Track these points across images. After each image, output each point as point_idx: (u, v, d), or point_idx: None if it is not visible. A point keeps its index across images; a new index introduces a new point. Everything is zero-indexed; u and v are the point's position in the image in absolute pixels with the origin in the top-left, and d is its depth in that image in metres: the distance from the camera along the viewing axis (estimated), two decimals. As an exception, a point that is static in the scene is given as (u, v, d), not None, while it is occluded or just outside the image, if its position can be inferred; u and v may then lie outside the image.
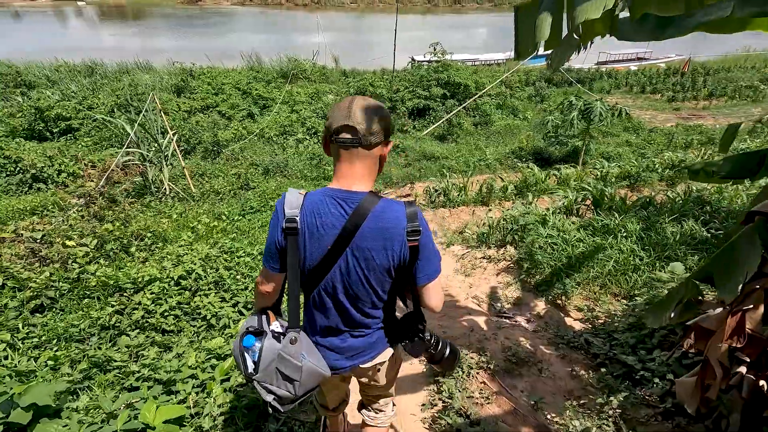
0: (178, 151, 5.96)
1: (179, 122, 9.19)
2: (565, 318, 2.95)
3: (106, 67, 14.84)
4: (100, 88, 11.58)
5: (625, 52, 28.32)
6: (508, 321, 3.00)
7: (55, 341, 2.63)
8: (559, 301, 3.09)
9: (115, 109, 9.84)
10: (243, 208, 5.21)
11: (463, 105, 10.96)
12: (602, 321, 2.79)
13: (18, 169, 6.20)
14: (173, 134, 6.41)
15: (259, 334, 1.32)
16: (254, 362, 1.28)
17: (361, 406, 1.78)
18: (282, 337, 1.31)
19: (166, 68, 15.25)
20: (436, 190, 5.41)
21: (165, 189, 5.98)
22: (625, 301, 2.91)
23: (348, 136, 1.18)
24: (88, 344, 2.64)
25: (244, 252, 3.51)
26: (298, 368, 1.27)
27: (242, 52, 17.66)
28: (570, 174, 5.43)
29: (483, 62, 22.78)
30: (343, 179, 1.23)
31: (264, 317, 1.37)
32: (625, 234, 3.33)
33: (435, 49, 12.43)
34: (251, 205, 5.23)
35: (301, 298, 1.36)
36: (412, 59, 20.29)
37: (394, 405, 1.79)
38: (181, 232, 4.04)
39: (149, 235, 3.90)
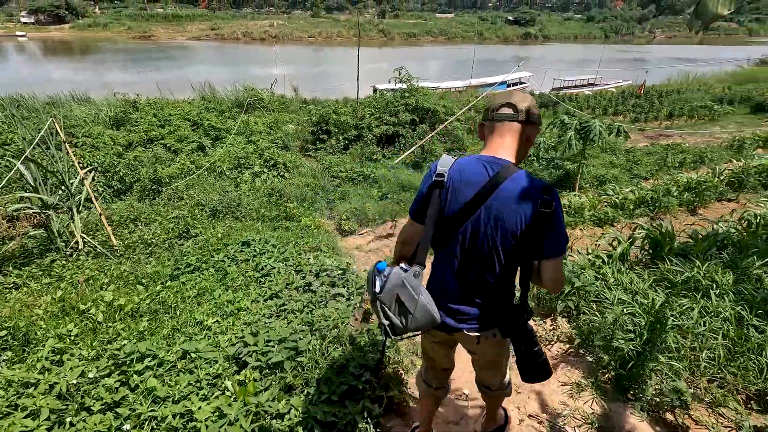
0: (92, 193, 4.67)
1: (111, 158, 7.82)
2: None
3: (37, 99, 13.17)
4: (19, 124, 9.99)
5: (577, 78, 29.74)
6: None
7: None
8: (668, 416, 2.03)
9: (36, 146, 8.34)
10: (176, 266, 3.98)
11: (437, 130, 10.26)
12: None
13: None
14: (88, 172, 5.13)
15: (391, 264, 1.47)
16: (381, 285, 1.41)
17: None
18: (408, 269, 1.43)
19: (107, 100, 13.77)
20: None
21: (77, 243, 4.64)
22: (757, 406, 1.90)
23: (509, 111, 1.42)
24: None
25: (152, 360, 2.22)
26: (414, 300, 1.38)
27: (193, 82, 16.45)
28: (583, 203, 4.62)
29: (444, 90, 22.86)
30: (492, 149, 1.43)
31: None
32: (717, 291, 2.40)
33: (400, 74, 11.81)
34: (188, 261, 4.01)
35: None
36: (375, 89, 19.89)
37: (509, 383, 1.84)
38: (62, 321, 2.76)
39: (2, 333, 2.52)
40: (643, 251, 3.45)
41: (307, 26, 76.93)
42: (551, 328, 2.83)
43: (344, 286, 3.34)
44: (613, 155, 9.04)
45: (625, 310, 2.37)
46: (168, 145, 10.12)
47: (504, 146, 1.41)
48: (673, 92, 21.13)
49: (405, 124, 11.35)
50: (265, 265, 3.71)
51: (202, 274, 3.77)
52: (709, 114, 15.67)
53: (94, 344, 2.38)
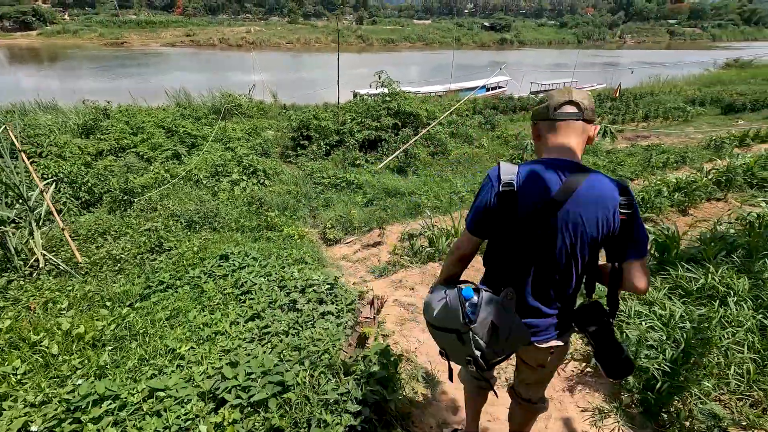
0: (52, 206, 4.27)
1: (78, 168, 7.35)
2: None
3: (-2, 107, 12.44)
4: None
5: (554, 81, 30.35)
6: None
7: None
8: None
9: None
10: (147, 284, 3.63)
11: (420, 134, 10.10)
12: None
13: None
14: (48, 183, 4.72)
15: (475, 289, 1.35)
16: (472, 313, 1.29)
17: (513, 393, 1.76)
18: (496, 293, 1.34)
19: (75, 108, 13.12)
20: (416, 236, 4.20)
21: (37, 261, 4.23)
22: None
23: (573, 109, 1.34)
24: None
25: (112, 403, 1.82)
26: (511, 322, 1.30)
27: (167, 89, 15.89)
28: None
29: (424, 95, 22.94)
30: (558, 150, 1.33)
31: (452, 286, 1.41)
32: (735, 298, 2.25)
33: (380, 78, 11.63)
34: (161, 278, 3.66)
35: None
36: (355, 93, 19.67)
37: (546, 399, 1.75)
38: (7, 357, 2.39)
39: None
40: (649, 256, 3.30)
41: (284, 32, 76.30)
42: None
43: (333, 303, 3.07)
44: (595, 156, 9.04)
45: (644, 323, 2.19)
46: (141, 153, 9.66)
47: (571, 147, 1.33)
48: (647, 94, 21.65)
49: (387, 129, 11.16)
50: (246, 281, 3.41)
51: (176, 292, 3.43)
52: (682, 115, 16.04)
53: (43, 385, 2.04)
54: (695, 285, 2.48)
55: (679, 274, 2.67)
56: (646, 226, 4.74)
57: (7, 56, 57.14)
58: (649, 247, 3.19)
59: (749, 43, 78.24)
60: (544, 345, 1.42)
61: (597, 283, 1.44)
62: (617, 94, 19.65)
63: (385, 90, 11.88)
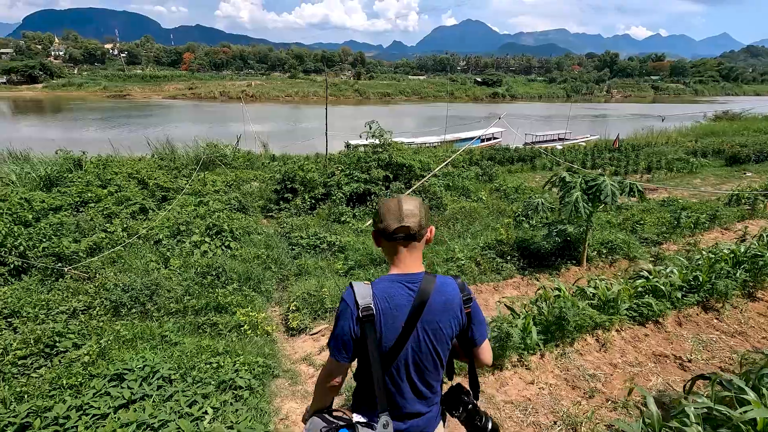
0: None
1: (11, 228, 6.30)
2: None
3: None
4: None
5: (548, 133, 30.52)
6: None
7: None
8: None
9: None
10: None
11: (413, 187, 9.25)
12: None
13: None
14: None
15: (350, 427, 1.38)
16: None
17: None
18: (373, 425, 1.37)
19: (44, 158, 12.34)
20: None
21: None
22: None
23: (404, 234, 1.40)
24: None
25: None
26: None
27: (149, 139, 15.29)
28: (617, 292, 3.37)
29: (418, 145, 22.69)
30: (403, 266, 1.43)
31: (327, 415, 1.48)
32: None
33: (371, 128, 10.99)
34: (10, 418, 2.41)
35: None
36: (348, 144, 19.26)
37: None
38: None
39: None
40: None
41: (284, 86, 78.93)
42: None
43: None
44: (606, 213, 8.13)
45: None
46: (104, 208, 8.69)
47: (413, 261, 1.43)
48: (644, 145, 21.39)
49: (378, 181, 10.34)
50: (145, 425, 2.25)
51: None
52: (687, 167, 15.46)
53: None
54: None
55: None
56: (707, 317, 3.69)
57: (10, 107, 58.19)
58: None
59: (730, 98, 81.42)
60: None
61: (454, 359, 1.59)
62: (616, 145, 19.31)
63: (376, 141, 11.20)
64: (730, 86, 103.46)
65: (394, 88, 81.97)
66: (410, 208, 1.41)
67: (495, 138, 28.76)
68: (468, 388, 1.54)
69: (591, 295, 3.42)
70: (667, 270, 3.81)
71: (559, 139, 29.66)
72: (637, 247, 5.59)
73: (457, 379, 1.65)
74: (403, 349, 1.37)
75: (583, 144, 25.55)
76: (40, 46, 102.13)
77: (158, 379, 2.65)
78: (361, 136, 11.54)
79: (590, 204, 4.66)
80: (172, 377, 2.66)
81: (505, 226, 6.37)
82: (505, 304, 3.32)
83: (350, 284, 1.40)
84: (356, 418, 1.39)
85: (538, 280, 4.95)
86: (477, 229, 7.43)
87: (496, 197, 11.23)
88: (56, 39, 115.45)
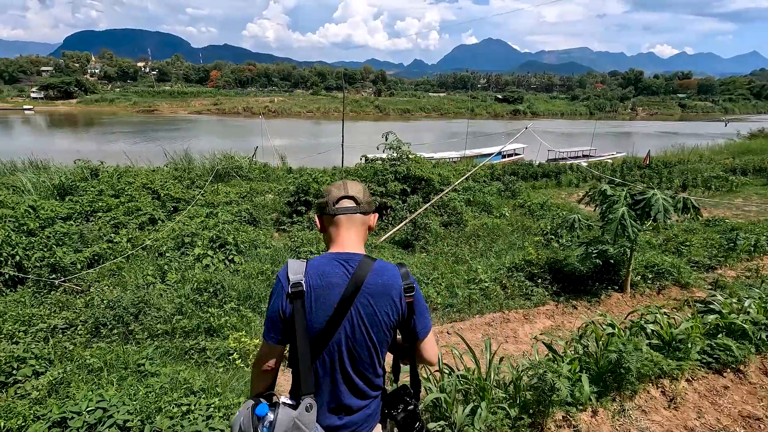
0: None
1: (12, 236, 6.04)
2: None
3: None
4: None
5: (572, 149, 29.59)
6: None
7: None
8: None
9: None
10: None
11: (432, 201, 8.71)
12: None
13: None
14: None
15: (272, 404, 1.27)
16: None
17: None
18: (296, 406, 1.26)
19: (61, 168, 12.37)
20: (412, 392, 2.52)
21: None
22: None
23: (350, 203, 1.38)
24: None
25: None
26: None
27: (167, 150, 15.29)
28: (686, 330, 2.71)
29: (437, 160, 22.26)
30: (342, 244, 1.37)
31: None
32: None
33: (387, 139, 10.56)
34: None
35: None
36: (365, 157, 18.93)
37: None
38: None
39: None
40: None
41: (305, 102, 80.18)
42: None
43: None
44: (642, 232, 7.37)
45: None
46: (112, 218, 8.46)
47: (352, 240, 1.37)
48: (675, 163, 20.35)
49: (395, 195, 9.87)
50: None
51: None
52: (726, 185, 14.45)
53: None
54: None
55: None
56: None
57: (46, 121, 60.85)
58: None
59: (763, 116, 78.31)
60: None
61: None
62: (647, 161, 18.36)
63: (394, 153, 10.76)
64: (762, 104, 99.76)
65: (414, 105, 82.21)
66: (354, 184, 1.42)
67: (517, 154, 28.05)
68: (412, 390, 1.46)
69: (650, 332, 2.76)
70: (746, 303, 3.11)
71: (584, 156, 28.76)
72: (689, 272, 4.89)
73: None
74: (336, 333, 1.29)
75: (609, 161, 24.61)
76: (77, 65, 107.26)
77: (110, 427, 2.16)
78: (378, 148, 11.12)
79: (638, 221, 4.04)
80: (128, 425, 2.17)
81: (534, 245, 5.74)
82: (543, 342, 2.70)
83: (287, 261, 1.33)
84: (282, 399, 1.27)
85: (575, 308, 4.31)
86: (501, 248, 6.81)
87: (519, 214, 10.57)
88: (93, 58, 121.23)
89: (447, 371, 2.32)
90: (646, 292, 4.69)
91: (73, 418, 2.19)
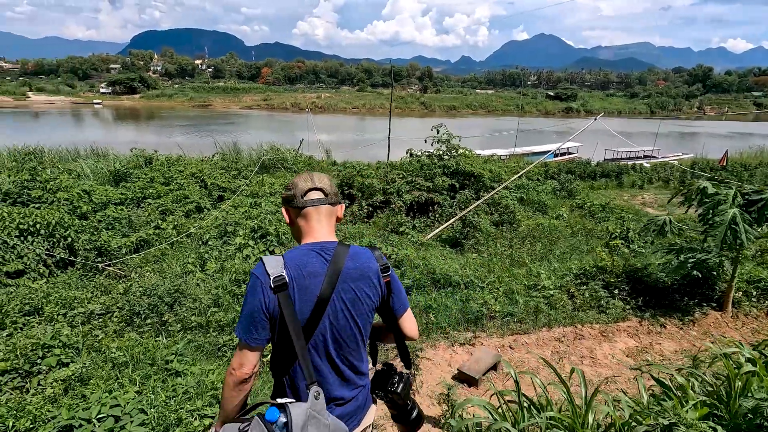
0: None
1: (66, 219, 6.14)
2: None
3: (45, 154, 12.45)
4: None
5: (632, 149, 27.44)
6: None
7: None
8: None
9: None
10: None
11: (483, 199, 8.11)
12: None
13: None
14: None
15: (280, 407, 1.18)
16: None
17: None
18: (303, 400, 1.25)
19: (118, 156, 12.89)
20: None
21: None
22: None
23: (318, 195, 1.38)
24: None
25: None
26: (326, 426, 1.21)
27: (217, 141, 15.60)
28: None
29: (485, 158, 21.35)
30: (314, 235, 1.37)
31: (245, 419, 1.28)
32: None
33: (438, 131, 10.03)
34: None
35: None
36: (410, 153, 18.46)
37: None
38: None
39: None
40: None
41: (351, 98, 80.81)
42: None
43: None
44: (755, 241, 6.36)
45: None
46: (160, 205, 8.58)
47: (324, 229, 1.38)
48: (755, 165, 18.26)
49: (442, 190, 9.33)
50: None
51: None
52: (823, 191, 12.65)
53: None
54: None
55: None
56: None
57: (113, 114, 65.49)
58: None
59: None
60: (358, 429, 1.40)
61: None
62: (723, 163, 16.55)
63: (443, 146, 10.22)
64: None
65: (461, 102, 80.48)
66: (321, 176, 1.42)
67: (570, 153, 26.43)
68: (400, 370, 1.46)
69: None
70: None
71: (645, 157, 26.70)
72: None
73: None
74: (320, 323, 1.28)
75: (675, 162, 22.57)
76: (142, 62, 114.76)
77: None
78: (425, 141, 10.61)
79: (755, 225, 3.29)
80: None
81: (608, 250, 5.02)
82: (650, 374, 2.10)
83: (260, 258, 1.30)
84: (279, 400, 1.17)
85: (663, 327, 3.63)
86: (562, 251, 6.11)
87: (578, 215, 9.69)
88: (155, 56, 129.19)
89: (526, 404, 1.82)
90: (753, 313, 3.89)
91: (81, 425, 1.93)
